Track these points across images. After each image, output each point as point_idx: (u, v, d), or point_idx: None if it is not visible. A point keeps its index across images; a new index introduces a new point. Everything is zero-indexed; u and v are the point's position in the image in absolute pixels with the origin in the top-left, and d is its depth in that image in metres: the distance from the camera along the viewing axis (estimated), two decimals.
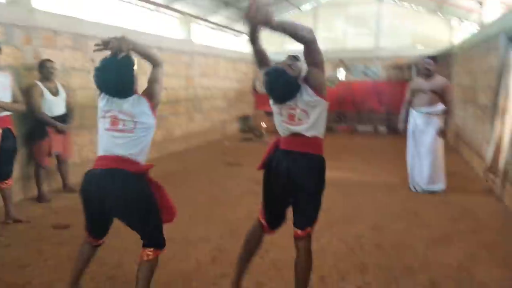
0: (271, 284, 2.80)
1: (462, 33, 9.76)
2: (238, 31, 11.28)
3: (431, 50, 10.47)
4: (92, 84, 6.24)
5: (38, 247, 3.42)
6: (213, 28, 10.27)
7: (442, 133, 4.93)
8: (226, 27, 10.58)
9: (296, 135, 2.35)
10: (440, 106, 4.94)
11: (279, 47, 11.94)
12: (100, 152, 2.30)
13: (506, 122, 5.06)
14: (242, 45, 11.73)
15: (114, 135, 2.26)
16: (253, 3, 2.01)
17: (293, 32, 2.18)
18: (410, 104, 5.18)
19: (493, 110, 5.39)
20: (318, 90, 2.31)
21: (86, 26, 5.72)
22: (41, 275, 2.91)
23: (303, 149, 2.33)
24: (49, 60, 4.75)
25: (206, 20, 9.52)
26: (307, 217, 2.36)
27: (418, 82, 5.13)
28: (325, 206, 4.51)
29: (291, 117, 2.34)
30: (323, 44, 11.38)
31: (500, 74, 5.29)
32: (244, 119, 11.72)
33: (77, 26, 5.56)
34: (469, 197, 4.82)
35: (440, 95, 4.92)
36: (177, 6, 8.24)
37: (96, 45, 2.28)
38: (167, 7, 8.01)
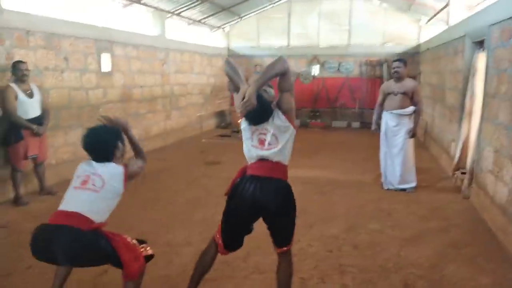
0: (255, 287, 2.91)
1: (430, 32, 10.09)
2: (213, 26, 11.22)
3: (401, 48, 10.83)
4: (66, 84, 6.22)
5: (19, 254, 3.39)
6: (188, 24, 10.18)
7: (412, 133, 5.16)
8: (201, 22, 10.51)
9: (263, 161, 2.42)
10: (410, 108, 5.16)
11: (256, 43, 12.02)
12: (59, 207, 2.29)
13: (472, 123, 5.36)
14: (217, 40, 11.70)
15: (79, 192, 2.29)
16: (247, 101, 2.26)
17: (274, 75, 2.36)
18: (381, 106, 5.39)
19: (460, 111, 5.68)
20: (288, 115, 2.43)
21: (58, 25, 5.61)
22: (25, 284, 2.91)
23: (270, 174, 2.40)
24: (21, 62, 4.64)
25: (180, 15, 9.42)
26: (283, 239, 2.47)
27: (389, 84, 5.34)
28: (302, 206, 4.66)
29: (261, 142, 2.43)
30: (297, 40, 11.66)
31: (466, 76, 5.57)
32: (221, 115, 11.75)
33: (49, 25, 5.43)
34: (439, 195, 5.09)
35: (410, 97, 5.14)
36: (150, 1, 8.13)
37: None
38: (139, 2, 7.88)
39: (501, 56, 4.08)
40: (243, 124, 2.51)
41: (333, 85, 11.52)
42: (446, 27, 7.85)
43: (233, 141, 9.08)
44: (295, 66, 11.70)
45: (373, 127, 5.55)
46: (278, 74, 2.37)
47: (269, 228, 2.48)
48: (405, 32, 10.98)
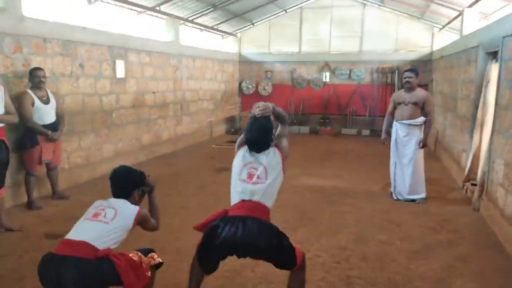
0: None
1: (443, 40, 10.05)
2: (225, 32, 11.32)
3: (413, 55, 10.79)
4: (81, 90, 6.32)
5: (33, 257, 3.47)
6: (200, 30, 10.30)
7: (422, 144, 5.14)
8: (213, 29, 10.62)
9: (245, 201, 2.46)
10: (421, 118, 5.14)
11: (267, 49, 12.09)
12: (66, 236, 2.38)
13: (483, 134, 5.32)
14: (229, 46, 11.80)
15: (88, 223, 2.40)
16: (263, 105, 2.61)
17: (282, 117, 2.78)
18: (392, 115, 5.38)
19: (472, 122, 5.65)
20: (284, 157, 2.63)
21: (75, 32, 5.73)
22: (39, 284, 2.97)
23: (252, 213, 2.41)
24: (39, 69, 4.76)
25: (193, 22, 9.54)
26: (288, 265, 2.48)
27: (400, 94, 5.34)
28: (311, 215, 4.71)
29: (250, 176, 2.50)
30: (309, 46, 11.70)
31: (479, 86, 5.54)
32: (231, 121, 11.82)
33: (65, 32, 5.56)
34: (448, 207, 5.06)
35: (421, 107, 5.13)
36: (164, 8, 8.26)
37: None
38: (154, 9, 8.01)
39: None
40: (237, 158, 2.63)
41: (344, 92, 11.51)
42: (459, 36, 7.81)
43: None
44: (306, 73, 11.74)
45: (383, 136, 5.55)
46: (286, 121, 2.82)
47: (271, 262, 2.48)
48: (418, 39, 10.94)
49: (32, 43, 5.02)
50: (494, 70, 5.00)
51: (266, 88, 12.00)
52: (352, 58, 11.39)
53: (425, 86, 10.63)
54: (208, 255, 2.46)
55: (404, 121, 5.17)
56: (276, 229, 2.43)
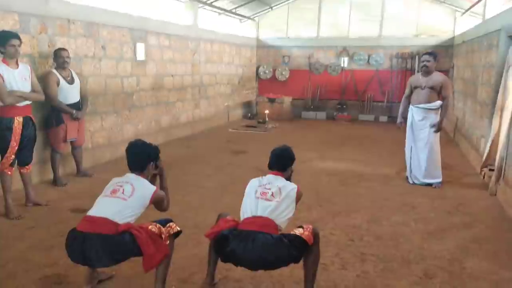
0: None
1: (465, 25, 9.82)
2: (243, 16, 11.31)
3: (434, 40, 10.61)
4: (103, 72, 6.50)
5: (59, 229, 3.65)
6: (219, 14, 10.31)
7: (437, 128, 5.11)
8: (232, 12, 10.61)
9: (256, 217, 2.52)
10: (437, 102, 5.10)
11: (285, 33, 12.04)
12: (88, 213, 2.55)
13: (503, 119, 5.26)
14: (246, 30, 11.79)
15: (108, 199, 2.56)
16: None
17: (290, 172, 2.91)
18: (408, 99, 5.35)
19: (492, 107, 5.58)
20: (297, 198, 2.68)
21: (97, 14, 5.85)
22: (66, 256, 3.11)
23: (261, 229, 2.45)
24: (63, 49, 4.90)
25: (212, 5, 9.56)
26: (296, 259, 2.49)
27: (417, 78, 5.29)
28: (327, 197, 4.79)
29: (264, 194, 2.59)
30: (327, 31, 11.59)
31: (500, 71, 5.46)
32: (248, 105, 11.88)
33: (88, 14, 5.69)
34: (465, 191, 5.06)
35: (438, 91, 5.08)
36: None
37: None
38: None
39: None
40: (252, 183, 2.74)
41: (362, 78, 11.42)
42: (482, 20, 7.65)
43: (259, 132, 9.21)
44: (323, 58, 11.66)
45: (399, 120, 5.54)
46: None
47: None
48: (439, 24, 10.72)
49: (57, 24, 5.16)
50: None
51: (283, 73, 11.99)
52: (371, 43, 11.25)
53: (445, 72, 10.47)
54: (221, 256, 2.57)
55: (420, 105, 5.15)
56: (286, 243, 2.42)
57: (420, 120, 5.17)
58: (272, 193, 2.58)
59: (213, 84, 9.71)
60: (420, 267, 3.11)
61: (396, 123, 5.70)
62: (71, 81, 4.93)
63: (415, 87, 5.21)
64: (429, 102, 5.09)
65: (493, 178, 4.96)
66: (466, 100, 7.72)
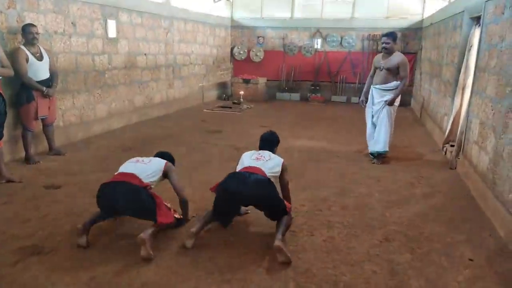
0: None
1: (433, 7, 10.10)
2: None
3: (405, 23, 10.87)
4: (74, 48, 6.44)
5: (35, 204, 3.69)
6: None
7: (389, 101, 5.25)
8: None
9: (251, 167, 3.19)
10: (393, 83, 5.25)
11: (258, 14, 12.03)
12: (119, 170, 3.21)
13: (464, 97, 5.56)
14: (220, 10, 11.71)
15: (132, 163, 3.26)
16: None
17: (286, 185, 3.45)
18: (372, 78, 5.52)
19: (454, 86, 5.87)
20: (283, 169, 3.35)
21: None
22: (43, 229, 3.21)
23: (257, 171, 3.13)
24: (32, 25, 4.81)
25: None
26: (280, 214, 3.12)
27: (378, 58, 5.46)
28: (298, 172, 4.97)
29: (258, 159, 3.31)
30: (301, 12, 11.66)
31: (462, 52, 5.73)
32: (223, 86, 11.90)
33: None
34: (427, 166, 5.35)
35: (396, 72, 5.23)
36: None
37: None
38: None
39: (493, 32, 4.25)
40: (248, 153, 3.47)
41: (334, 59, 11.60)
42: (448, 2, 7.91)
43: (234, 112, 9.30)
44: (297, 39, 11.77)
45: (361, 98, 5.70)
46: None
47: (264, 211, 3.19)
48: (409, 7, 10.97)
49: None
50: (476, 35, 5.17)
51: (258, 54, 12.04)
52: (344, 25, 11.42)
53: (414, 54, 10.81)
54: (223, 202, 3.10)
55: (377, 86, 5.34)
56: (274, 186, 3.12)
57: (378, 100, 5.36)
58: (263, 156, 3.32)
59: (187, 64, 9.68)
60: (381, 232, 3.35)
61: (358, 101, 5.87)
62: (40, 58, 4.86)
63: (376, 68, 5.40)
64: (386, 83, 5.27)
65: (453, 152, 5.27)
66: (432, 80, 8.04)
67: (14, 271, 2.63)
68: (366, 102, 5.58)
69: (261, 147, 3.53)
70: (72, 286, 2.50)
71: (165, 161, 3.34)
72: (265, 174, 3.13)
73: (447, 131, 5.83)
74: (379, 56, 5.49)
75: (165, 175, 3.28)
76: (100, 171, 4.67)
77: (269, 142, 3.55)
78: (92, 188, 4.11)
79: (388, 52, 5.24)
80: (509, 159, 3.42)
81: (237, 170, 3.27)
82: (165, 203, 3.20)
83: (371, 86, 5.46)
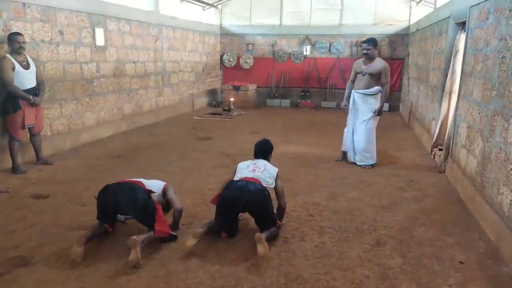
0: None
1: (420, 14, 10.27)
2: (206, 3, 11.26)
3: (392, 29, 11.02)
4: (61, 57, 6.40)
5: (21, 214, 3.63)
6: (181, 0, 10.21)
7: (377, 112, 5.37)
8: None
9: (249, 178, 3.29)
10: (375, 88, 5.35)
11: (248, 21, 12.10)
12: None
13: (451, 102, 5.63)
14: (210, 18, 11.75)
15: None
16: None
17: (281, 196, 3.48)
18: (353, 83, 5.58)
19: (441, 91, 5.94)
20: (276, 179, 3.45)
21: None
22: (30, 240, 3.15)
23: (250, 180, 3.26)
24: (18, 33, 4.76)
25: None
26: (270, 225, 3.21)
27: (359, 64, 5.53)
28: (289, 177, 4.97)
29: (254, 170, 3.41)
30: (290, 19, 11.76)
31: (449, 57, 5.81)
32: (213, 93, 11.90)
33: None
34: (416, 170, 5.39)
35: (378, 78, 5.32)
36: None
37: None
38: None
39: (478, 36, 4.32)
40: (244, 163, 3.53)
41: (324, 66, 11.70)
42: (433, 8, 8.04)
43: (224, 119, 9.29)
44: (287, 46, 11.84)
45: (343, 103, 5.78)
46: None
47: (255, 219, 3.29)
48: (396, 14, 11.12)
49: (12, 7, 4.99)
50: (462, 40, 5.25)
51: (247, 61, 12.07)
52: (332, 32, 11.53)
53: (401, 60, 10.95)
54: (223, 208, 3.18)
55: (360, 91, 5.41)
56: (268, 194, 3.23)
57: (360, 105, 5.43)
58: (259, 167, 3.42)
59: (177, 71, 9.66)
60: (373, 236, 3.35)
61: (341, 106, 5.96)
62: (26, 66, 4.81)
63: (357, 73, 5.47)
64: (368, 88, 5.35)
65: (442, 156, 5.32)
66: (420, 85, 8.13)
67: (0, 283, 2.57)
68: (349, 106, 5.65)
69: (256, 156, 3.63)
70: None
71: (164, 183, 3.43)
72: (262, 183, 3.26)
73: (435, 135, 5.89)
74: (359, 61, 5.57)
75: (164, 193, 3.34)
76: (89, 180, 4.62)
77: (263, 150, 3.64)
78: (80, 197, 4.09)
79: (369, 57, 5.34)
80: (496, 161, 3.46)
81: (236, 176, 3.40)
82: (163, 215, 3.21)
83: (352, 90, 5.52)
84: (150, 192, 3.16)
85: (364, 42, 5.39)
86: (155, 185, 3.31)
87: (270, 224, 3.20)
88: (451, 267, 2.92)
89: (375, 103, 5.39)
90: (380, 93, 5.38)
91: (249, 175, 3.33)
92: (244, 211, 3.28)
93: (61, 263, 2.81)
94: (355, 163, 5.54)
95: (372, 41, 5.31)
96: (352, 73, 5.61)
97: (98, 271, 2.72)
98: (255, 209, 3.18)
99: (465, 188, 4.29)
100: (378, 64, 5.33)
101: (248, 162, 3.55)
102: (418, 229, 3.53)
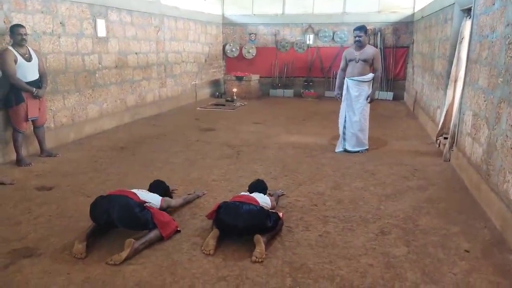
0: None
1: (424, 1, 10.11)
2: None
3: (396, 17, 10.88)
4: (63, 49, 6.37)
5: (26, 206, 3.64)
6: None
7: (370, 99, 5.45)
8: None
9: (244, 195, 3.26)
10: (370, 75, 5.43)
11: (250, 10, 11.98)
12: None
13: (456, 90, 5.57)
14: (211, 8, 11.65)
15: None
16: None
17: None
18: (344, 71, 5.61)
19: (446, 78, 5.88)
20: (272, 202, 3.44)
21: None
22: (35, 231, 3.16)
23: (250, 202, 3.12)
24: (20, 25, 4.74)
25: None
26: (268, 229, 3.04)
27: (351, 51, 5.56)
28: (293, 168, 4.96)
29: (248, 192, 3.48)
30: (292, 8, 11.62)
31: (454, 44, 5.74)
32: (216, 84, 11.85)
33: None
34: (421, 158, 5.36)
35: (371, 64, 5.40)
36: None
37: None
38: None
39: (485, 23, 4.24)
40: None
41: (327, 55, 11.59)
42: None
43: (227, 110, 9.26)
44: (289, 35, 11.73)
45: (336, 92, 5.79)
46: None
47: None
48: (400, 1, 10.96)
49: None
50: (467, 27, 5.18)
51: (250, 51, 11.99)
52: (336, 20, 11.40)
53: (406, 48, 10.82)
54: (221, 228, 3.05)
55: (354, 78, 5.45)
56: (267, 212, 3.06)
57: (354, 92, 5.47)
58: (255, 194, 3.37)
59: (179, 62, 9.61)
60: (377, 225, 3.34)
61: (334, 95, 5.98)
62: (29, 59, 4.79)
63: (350, 60, 5.51)
64: (362, 74, 5.41)
65: (447, 145, 5.28)
66: (425, 73, 8.04)
67: (5, 274, 2.58)
68: (341, 95, 5.68)
69: (251, 191, 3.55)
70: None
71: (161, 198, 3.34)
72: (258, 202, 3.15)
73: (440, 123, 5.84)
74: (350, 49, 5.62)
75: (164, 207, 3.34)
76: (92, 172, 4.63)
77: (258, 188, 3.57)
78: (84, 189, 4.10)
79: (361, 45, 5.41)
80: (502, 149, 3.42)
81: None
82: (162, 212, 3.19)
83: (346, 78, 5.55)
84: (143, 202, 3.06)
85: (355, 29, 5.44)
86: (151, 199, 3.21)
87: (274, 225, 3.07)
88: (456, 255, 2.90)
89: (369, 90, 5.45)
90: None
91: (245, 192, 3.35)
92: (243, 235, 3.02)
93: (66, 254, 2.82)
94: (345, 150, 5.59)
95: (363, 28, 5.41)
96: (343, 62, 5.64)
97: (103, 261, 2.73)
98: (255, 231, 2.95)
99: (470, 177, 4.25)
100: (370, 50, 5.43)
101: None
102: (422, 218, 3.51)
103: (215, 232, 2.98)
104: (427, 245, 3.03)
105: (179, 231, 3.16)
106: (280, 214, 3.23)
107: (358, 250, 2.93)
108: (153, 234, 2.95)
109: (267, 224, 2.98)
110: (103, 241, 3.00)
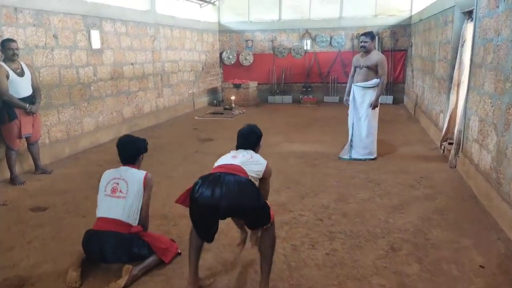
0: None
1: (422, 3, 10.03)
2: (203, 0, 11.06)
3: (393, 20, 10.80)
4: (56, 62, 6.22)
5: (20, 229, 3.49)
6: None
7: (373, 105, 5.36)
8: None
9: (229, 165, 2.50)
10: (374, 81, 5.35)
11: (246, 17, 11.89)
12: (98, 215, 2.84)
13: (460, 94, 5.45)
14: (207, 15, 11.55)
15: (111, 200, 2.81)
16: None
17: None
18: (353, 78, 5.57)
19: (449, 82, 5.76)
20: (265, 174, 2.63)
21: (46, 1, 5.52)
22: (28, 257, 3.01)
23: (237, 172, 2.41)
24: (11, 40, 4.61)
25: None
26: (264, 222, 2.44)
27: (357, 58, 5.54)
28: (295, 178, 4.81)
29: (235, 156, 2.61)
30: (289, 13, 11.53)
31: (455, 47, 5.63)
32: (213, 92, 11.73)
33: (37, 1, 5.35)
34: (426, 165, 5.23)
35: (376, 70, 5.32)
36: None
37: None
38: None
39: (488, 26, 4.13)
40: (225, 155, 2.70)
41: (325, 60, 11.50)
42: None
43: (226, 118, 9.13)
44: (286, 41, 11.64)
45: (345, 98, 5.75)
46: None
47: (244, 220, 2.61)
48: (397, 4, 10.90)
49: (2, 13, 4.83)
50: (469, 29, 5.06)
51: (247, 58, 11.89)
52: (333, 25, 11.32)
53: (404, 51, 10.73)
54: (198, 217, 2.44)
55: (358, 84, 5.41)
56: (257, 189, 2.43)
57: (359, 98, 5.42)
58: (243, 155, 2.61)
59: (176, 71, 9.50)
60: (386, 241, 3.20)
61: (343, 102, 5.91)
62: (21, 74, 4.65)
63: (356, 67, 5.47)
64: (367, 80, 5.35)
65: (452, 151, 5.15)
66: (425, 77, 7.93)
67: None
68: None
69: (240, 147, 2.73)
70: None
71: (144, 172, 2.91)
72: (246, 173, 2.45)
73: (444, 128, 5.71)
74: (358, 56, 5.59)
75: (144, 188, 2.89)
76: (88, 189, 4.48)
77: (250, 138, 2.74)
78: (79, 208, 3.95)
79: (366, 50, 5.36)
80: None
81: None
82: (158, 235, 2.99)
83: (353, 84, 5.52)
84: (138, 231, 2.78)
85: (362, 35, 5.41)
86: (134, 192, 2.81)
87: (263, 222, 2.43)
88: (471, 271, 2.76)
89: (373, 96, 5.36)
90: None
91: (229, 161, 2.53)
92: (226, 217, 2.50)
93: (60, 282, 2.67)
94: (351, 158, 5.49)
95: (369, 34, 5.35)
96: (352, 68, 5.61)
97: None
98: (242, 214, 2.44)
99: (479, 184, 4.12)
100: (375, 56, 5.36)
101: (230, 152, 2.72)
102: (433, 231, 3.37)
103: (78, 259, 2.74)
104: (440, 261, 2.89)
105: (180, 253, 3.00)
106: (271, 213, 2.48)
107: (368, 270, 2.78)
108: (151, 259, 2.80)
109: (259, 206, 2.36)
110: (99, 267, 2.85)
